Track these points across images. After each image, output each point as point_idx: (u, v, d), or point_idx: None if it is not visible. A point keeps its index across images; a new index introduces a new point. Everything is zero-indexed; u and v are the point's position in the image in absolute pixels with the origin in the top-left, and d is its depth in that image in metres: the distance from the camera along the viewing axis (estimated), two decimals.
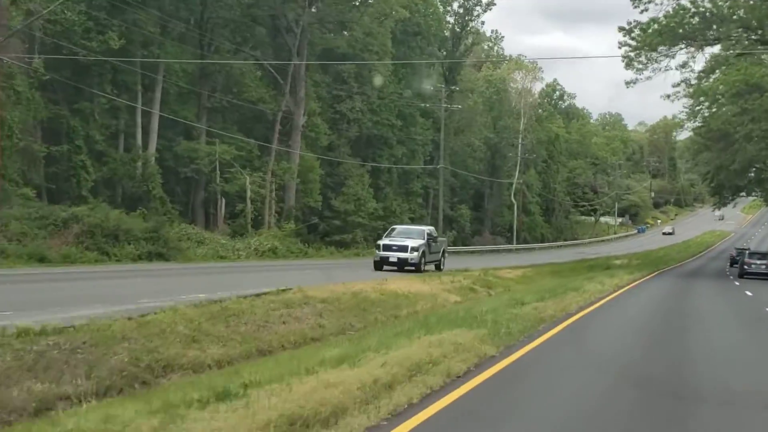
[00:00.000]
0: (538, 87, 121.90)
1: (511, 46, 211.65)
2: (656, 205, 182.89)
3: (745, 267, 51.44)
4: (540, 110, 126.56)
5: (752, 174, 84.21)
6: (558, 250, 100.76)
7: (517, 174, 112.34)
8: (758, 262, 51.28)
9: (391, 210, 75.41)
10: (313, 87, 65.78)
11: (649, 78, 47.52)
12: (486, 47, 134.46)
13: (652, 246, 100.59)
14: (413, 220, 76.02)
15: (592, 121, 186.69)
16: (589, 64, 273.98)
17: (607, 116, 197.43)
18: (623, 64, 45.73)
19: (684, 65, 50.15)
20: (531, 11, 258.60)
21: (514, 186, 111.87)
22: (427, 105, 72.19)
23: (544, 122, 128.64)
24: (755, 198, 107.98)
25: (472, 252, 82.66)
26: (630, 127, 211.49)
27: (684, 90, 55.24)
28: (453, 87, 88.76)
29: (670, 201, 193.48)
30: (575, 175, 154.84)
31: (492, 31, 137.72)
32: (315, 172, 63.94)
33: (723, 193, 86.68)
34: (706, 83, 55.75)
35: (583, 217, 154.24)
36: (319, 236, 67.15)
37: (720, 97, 56.07)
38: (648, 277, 45.13)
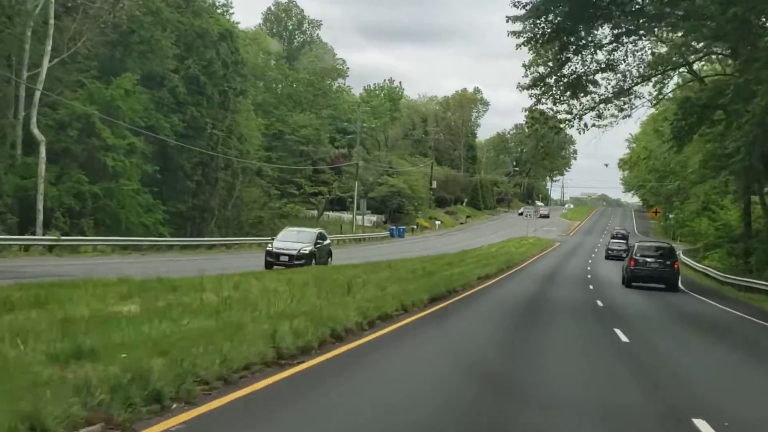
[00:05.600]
0: None
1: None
2: (442, 202, 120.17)
3: (609, 251, 60.63)
4: None
5: None
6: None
7: (45, 67, 43.54)
8: (617, 248, 59.98)
9: None
10: None
11: None
12: None
13: (380, 256, 36.68)
14: None
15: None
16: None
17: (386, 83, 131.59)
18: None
19: None
20: (346, 28, 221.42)
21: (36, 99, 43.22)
22: None
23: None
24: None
25: None
26: (415, 99, 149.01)
27: None
28: None
29: (463, 200, 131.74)
30: (302, 139, 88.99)
31: None
32: None
33: None
34: None
35: (312, 211, 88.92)
36: None
37: None
38: None
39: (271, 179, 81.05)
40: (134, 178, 50.05)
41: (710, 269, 42.97)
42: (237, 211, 69.16)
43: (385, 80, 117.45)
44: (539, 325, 16.42)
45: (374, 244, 69.44)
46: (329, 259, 32.85)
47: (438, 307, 18.02)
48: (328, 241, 34.31)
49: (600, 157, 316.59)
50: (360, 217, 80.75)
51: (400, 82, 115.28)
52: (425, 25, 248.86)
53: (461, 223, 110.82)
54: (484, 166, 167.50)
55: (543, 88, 29.95)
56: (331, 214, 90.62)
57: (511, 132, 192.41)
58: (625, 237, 71.19)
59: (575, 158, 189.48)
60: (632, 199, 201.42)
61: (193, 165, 62.98)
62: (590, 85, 30.88)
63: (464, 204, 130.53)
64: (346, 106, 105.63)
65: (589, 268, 47.03)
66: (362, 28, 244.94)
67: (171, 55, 56.32)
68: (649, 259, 32.96)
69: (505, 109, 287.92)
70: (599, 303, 23.21)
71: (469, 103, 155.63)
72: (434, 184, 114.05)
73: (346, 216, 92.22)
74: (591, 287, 31.20)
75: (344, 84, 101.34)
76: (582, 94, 30.99)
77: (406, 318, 14.84)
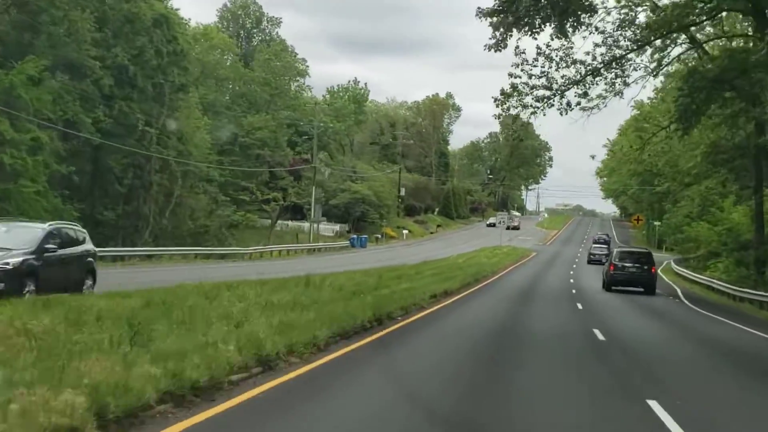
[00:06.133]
0: None
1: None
2: (411, 211, 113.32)
3: (592, 256, 61.48)
4: None
5: None
6: None
7: None
8: (599, 252, 60.68)
9: None
10: None
11: None
12: None
13: (323, 268, 28.84)
14: None
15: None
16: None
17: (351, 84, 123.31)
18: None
19: None
20: (318, 38, 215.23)
21: None
22: None
23: None
24: None
25: None
26: (384, 103, 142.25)
27: None
28: None
29: (435, 209, 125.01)
30: (257, 142, 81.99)
31: None
32: None
33: None
34: None
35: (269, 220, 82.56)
36: None
37: None
38: None
39: (219, 185, 73.80)
40: (40, 179, 42.55)
41: (716, 281, 36.34)
42: (177, 220, 61.66)
43: (349, 81, 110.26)
44: (514, 394, 9.28)
45: (331, 254, 62.39)
46: (88, 282, 17.95)
47: (343, 351, 10.92)
48: (82, 249, 18.31)
49: (576, 167, 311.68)
50: (317, 226, 73.46)
51: (366, 84, 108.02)
52: (398, 37, 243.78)
53: (431, 233, 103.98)
54: (457, 174, 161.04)
55: (515, 12, 22.57)
56: (290, 223, 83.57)
57: (485, 141, 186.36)
58: (606, 242, 73.87)
59: (551, 165, 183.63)
60: (609, 209, 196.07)
61: (124, 167, 55.71)
62: (583, 14, 23.69)
63: (435, 213, 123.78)
64: (308, 108, 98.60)
65: (572, 281, 40.21)
66: (334, 40, 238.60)
67: (89, 39, 48.97)
68: (627, 264, 34.24)
69: (479, 120, 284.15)
70: (598, 335, 16.21)
71: (440, 108, 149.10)
72: (402, 192, 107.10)
73: (307, 225, 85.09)
74: (579, 306, 24.31)
75: (303, 83, 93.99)
76: (572, 26, 23.89)
77: (240, 394, 7.60)
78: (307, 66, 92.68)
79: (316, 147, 75.34)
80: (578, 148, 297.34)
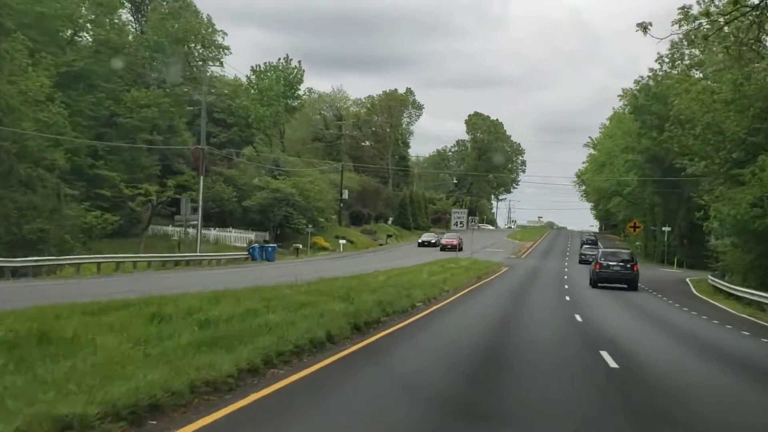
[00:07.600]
0: None
1: None
2: (358, 218, 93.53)
3: (582, 256, 63.78)
4: None
5: None
6: None
7: None
8: (589, 252, 60.75)
9: None
10: None
11: None
12: None
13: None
14: None
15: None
16: None
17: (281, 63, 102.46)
18: None
19: None
20: (283, 53, 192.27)
21: None
22: None
23: None
24: None
25: None
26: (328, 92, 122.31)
27: None
28: None
29: (388, 218, 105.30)
30: (143, 123, 62.38)
31: None
32: None
33: None
34: None
35: (163, 227, 62.79)
36: None
37: None
38: None
39: (88, 179, 53.87)
40: None
41: None
42: None
43: (279, 59, 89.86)
44: None
45: (214, 269, 42.47)
46: None
47: None
48: None
49: (548, 180, 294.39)
50: (192, 229, 53.45)
51: (300, 62, 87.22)
52: (369, 55, 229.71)
53: (381, 244, 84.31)
54: (419, 180, 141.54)
55: None
56: (191, 230, 63.18)
57: (452, 149, 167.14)
58: (595, 242, 76.28)
59: (524, 171, 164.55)
60: (584, 224, 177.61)
61: None
62: None
63: (390, 222, 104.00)
64: (227, 90, 78.86)
65: (578, 318, 20.68)
66: (305, 57, 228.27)
67: None
68: (611, 263, 37.44)
69: (451, 136, 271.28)
70: None
71: (398, 104, 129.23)
72: (345, 195, 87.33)
73: (215, 233, 65.18)
74: None
75: (216, 55, 73.60)
76: None
77: None
78: (226, 34, 72.35)
79: (204, 123, 55.11)
80: (550, 162, 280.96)
